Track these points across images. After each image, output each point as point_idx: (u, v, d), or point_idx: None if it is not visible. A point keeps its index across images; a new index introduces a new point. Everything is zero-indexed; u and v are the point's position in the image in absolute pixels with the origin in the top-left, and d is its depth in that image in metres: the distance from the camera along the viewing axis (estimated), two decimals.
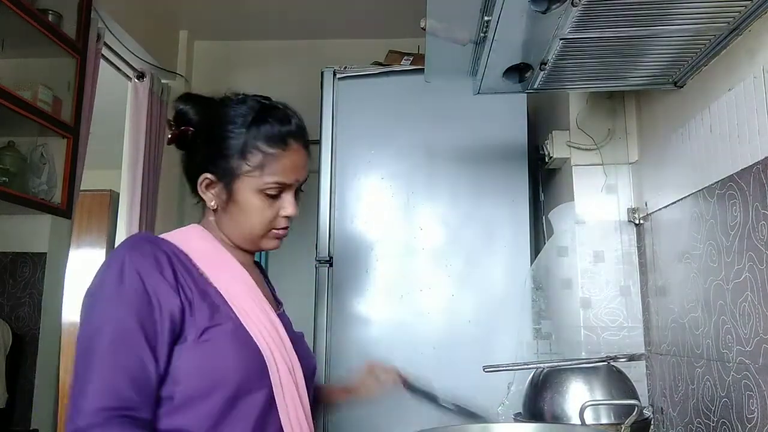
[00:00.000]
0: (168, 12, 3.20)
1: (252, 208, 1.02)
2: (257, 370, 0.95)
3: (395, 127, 2.04)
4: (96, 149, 2.61)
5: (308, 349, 1.15)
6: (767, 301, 1.07)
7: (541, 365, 1.30)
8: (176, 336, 0.91)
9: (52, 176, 2.24)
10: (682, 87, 1.41)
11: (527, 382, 1.31)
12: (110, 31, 2.66)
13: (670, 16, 1.12)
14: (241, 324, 0.96)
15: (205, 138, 1.04)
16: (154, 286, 0.89)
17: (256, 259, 1.17)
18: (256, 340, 0.96)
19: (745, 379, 1.14)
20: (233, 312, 0.96)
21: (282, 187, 1.02)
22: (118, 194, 3.08)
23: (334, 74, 2.08)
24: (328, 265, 1.98)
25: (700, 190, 1.32)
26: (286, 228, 1.06)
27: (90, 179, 2.63)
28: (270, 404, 0.95)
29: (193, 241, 1.03)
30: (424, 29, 1.23)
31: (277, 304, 1.14)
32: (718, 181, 1.23)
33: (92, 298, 0.90)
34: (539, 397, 1.23)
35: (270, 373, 0.96)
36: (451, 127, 2.02)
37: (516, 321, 1.87)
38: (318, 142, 2.06)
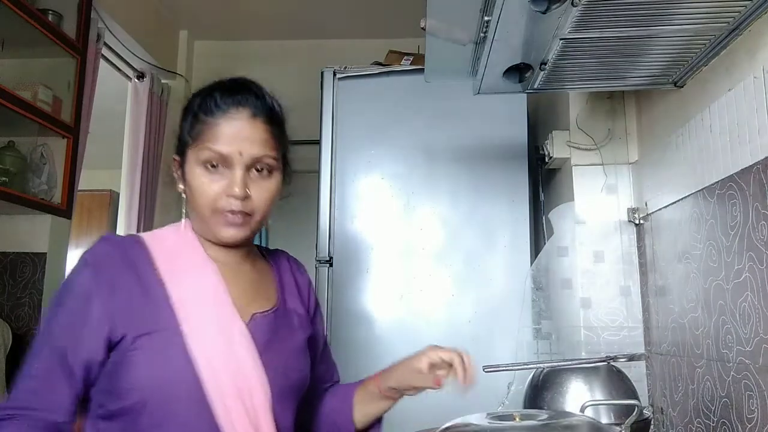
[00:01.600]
0: (168, 12, 3.20)
1: (196, 183, 0.94)
2: (191, 387, 0.86)
3: (395, 127, 2.03)
4: (96, 149, 2.61)
5: (296, 359, 1.00)
6: (767, 301, 1.07)
7: (541, 365, 1.30)
8: (111, 343, 0.88)
9: (52, 176, 2.24)
10: (682, 87, 1.41)
11: (527, 382, 1.31)
12: (110, 31, 2.66)
13: (670, 16, 1.12)
14: (180, 333, 0.88)
15: None
16: (89, 296, 0.89)
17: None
18: (192, 353, 0.87)
19: (745, 379, 1.14)
20: (176, 318, 0.89)
21: (222, 159, 0.93)
22: (118, 194, 3.08)
23: (334, 74, 2.08)
24: (328, 265, 1.98)
25: (700, 190, 1.32)
26: (238, 213, 0.93)
27: (90, 179, 2.64)
28: (210, 427, 0.86)
29: (165, 236, 1.00)
30: (424, 29, 1.23)
31: (279, 301, 1.03)
32: (718, 181, 1.23)
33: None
34: (539, 397, 1.24)
35: (208, 392, 0.86)
36: (451, 127, 2.02)
37: (516, 321, 1.87)
38: (318, 142, 2.06)
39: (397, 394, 1.03)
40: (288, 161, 1.03)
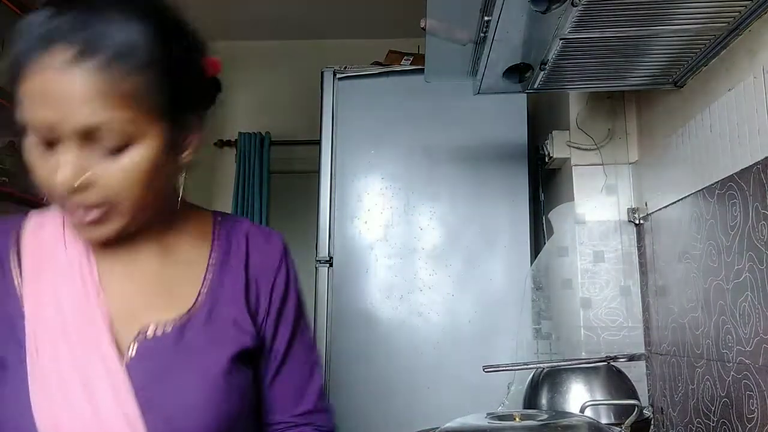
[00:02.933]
0: None
1: (30, 163, 0.67)
2: None
3: (395, 127, 2.04)
4: None
5: (208, 392, 0.66)
6: (767, 301, 1.07)
7: (541, 365, 1.30)
8: None
9: None
10: (682, 87, 1.41)
11: (527, 382, 1.31)
12: None
13: (670, 16, 1.12)
14: (24, 368, 0.62)
15: None
16: None
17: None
18: (32, 400, 0.60)
19: (745, 379, 1.14)
20: (25, 345, 0.63)
21: (44, 134, 0.63)
22: None
23: (334, 74, 2.09)
24: (328, 265, 1.98)
25: (700, 190, 1.32)
26: (89, 208, 0.63)
27: None
28: None
29: (48, 218, 0.72)
30: (424, 29, 1.23)
31: (202, 301, 0.71)
32: (718, 181, 1.23)
33: None
34: (539, 397, 1.23)
35: None
36: (451, 128, 2.02)
37: (516, 321, 1.87)
38: (318, 142, 2.06)
39: None
40: (199, 114, 0.73)
